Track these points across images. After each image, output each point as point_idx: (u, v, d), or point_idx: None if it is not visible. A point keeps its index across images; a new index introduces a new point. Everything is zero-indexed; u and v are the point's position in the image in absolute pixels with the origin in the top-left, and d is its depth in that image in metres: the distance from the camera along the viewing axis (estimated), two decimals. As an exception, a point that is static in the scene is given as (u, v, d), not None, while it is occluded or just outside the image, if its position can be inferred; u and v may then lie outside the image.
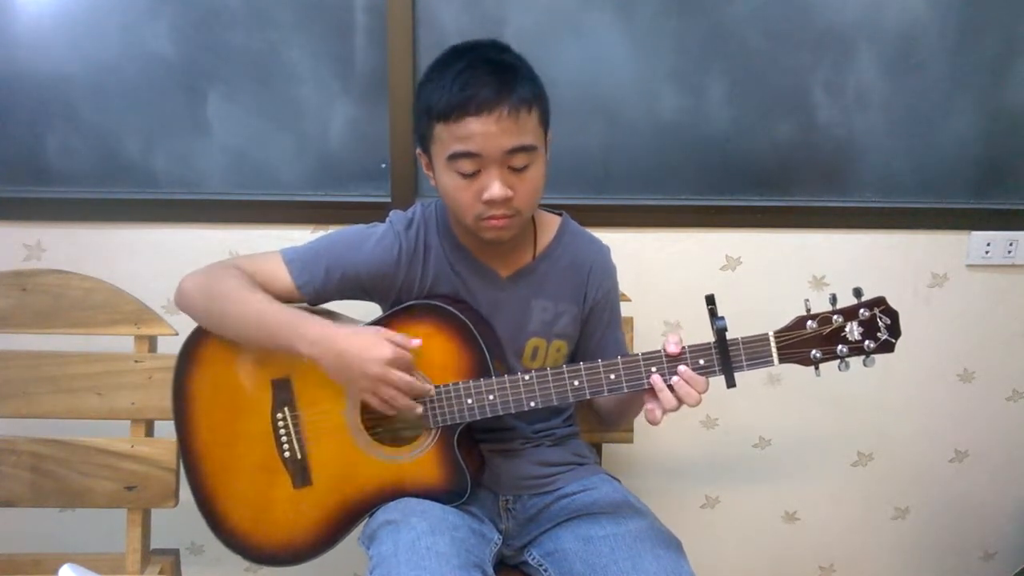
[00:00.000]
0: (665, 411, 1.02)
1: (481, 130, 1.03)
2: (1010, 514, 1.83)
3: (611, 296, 1.27)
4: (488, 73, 1.04)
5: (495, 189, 1.05)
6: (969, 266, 1.68)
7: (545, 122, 1.12)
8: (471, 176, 1.07)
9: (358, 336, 1.05)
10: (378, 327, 1.09)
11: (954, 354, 1.73)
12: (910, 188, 1.66)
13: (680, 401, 1.01)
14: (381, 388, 1.05)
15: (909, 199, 1.66)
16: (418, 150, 1.16)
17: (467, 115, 1.03)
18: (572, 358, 1.26)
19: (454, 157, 1.06)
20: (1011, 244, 1.67)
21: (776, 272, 1.64)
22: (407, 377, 1.05)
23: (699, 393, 1.01)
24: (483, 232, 1.11)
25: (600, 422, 1.33)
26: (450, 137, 1.05)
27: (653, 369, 1.03)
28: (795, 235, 1.64)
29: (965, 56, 1.61)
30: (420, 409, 1.08)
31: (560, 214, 1.27)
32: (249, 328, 1.09)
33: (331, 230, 1.26)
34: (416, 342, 1.07)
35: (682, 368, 1.01)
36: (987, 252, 1.67)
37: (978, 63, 1.61)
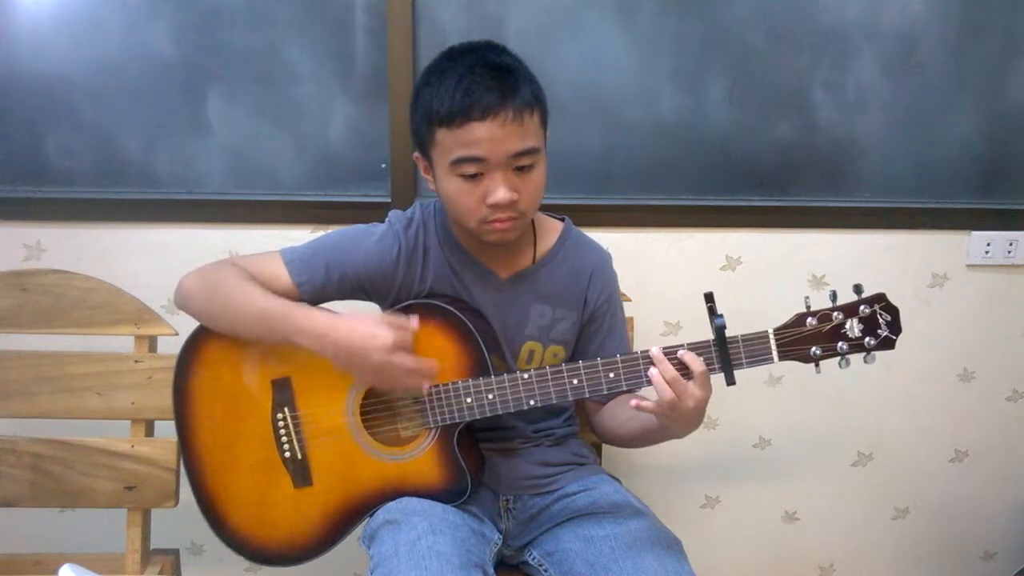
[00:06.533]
0: (660, 402, 1.00)
1: (486, 135, 1.03)
2: (1010, 514, 1.83)
3: (612, 303, 1.26)
4: (491, 77, 1.04)
5: (501, 193, 1.05)
6: (969, 266, 1.68)
7: (545, 122, 1.12)
8: (474, 179, 1.06)
9: (358, 326, 1.05)
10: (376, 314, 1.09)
11: (954, 354, 1.72)
12: (910, 188, 1.66)
13: (671, 385, 0.99)
14: (385, 375, 1.06)
15: (909, 199, 1.66)
16: (416, 154, 1.15)
17: (471, 120, 1.03)
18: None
19: (458, 162, 1.05)
20: (1011, 244, 1.67)
21: (776, 272, 1.64)
22: (409, 362, 1.05)
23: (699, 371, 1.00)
24: (487, 235, 1.11)
25: (607, 441, 1.30)
26: (454, 142, 1.05)
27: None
28: (795, 235, 1.64)
29: (965, 56, 1.61)
30: (427, 387, 1.08)
31: (562, 219, 1.27)
32: (249, 321, 1.09)
33: (331, 230, 1.26)
34: (414, 322, 1.07)
35: (681, 352, 1.01)
36: (987, 252, 1.67)
37: (978, 63, 1.61)
